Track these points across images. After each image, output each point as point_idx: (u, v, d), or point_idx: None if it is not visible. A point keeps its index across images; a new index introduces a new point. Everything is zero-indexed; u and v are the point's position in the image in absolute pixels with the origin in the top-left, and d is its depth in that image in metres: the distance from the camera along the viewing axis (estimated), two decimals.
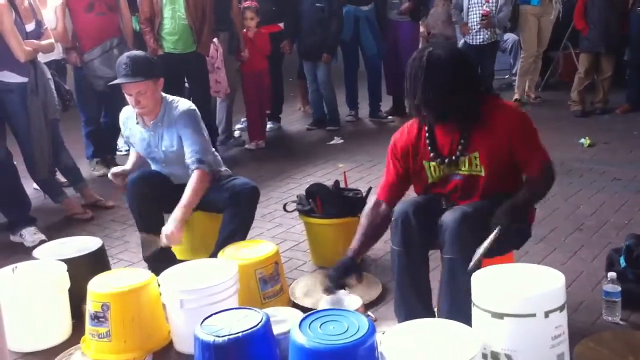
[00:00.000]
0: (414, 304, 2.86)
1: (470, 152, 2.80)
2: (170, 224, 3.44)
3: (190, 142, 3.64)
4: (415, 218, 2.80)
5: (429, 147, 2.88)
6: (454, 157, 2.82)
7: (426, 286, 2.92)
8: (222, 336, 2.35)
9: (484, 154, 2.78)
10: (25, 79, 4.46)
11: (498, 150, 2.76)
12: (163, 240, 3.45)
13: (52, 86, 4.74)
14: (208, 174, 3.64)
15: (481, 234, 2.68)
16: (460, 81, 2.70)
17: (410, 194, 3.08)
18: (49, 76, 4.74)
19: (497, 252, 2.78)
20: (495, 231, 2.63)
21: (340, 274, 2.90)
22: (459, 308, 2.60)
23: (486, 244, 2.62)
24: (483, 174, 2.81)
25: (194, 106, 3.76)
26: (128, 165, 3.91)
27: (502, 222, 2.64)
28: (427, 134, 2.89)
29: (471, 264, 2.60)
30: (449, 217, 2.72)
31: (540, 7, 7.47)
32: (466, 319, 2.46)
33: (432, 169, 2.90)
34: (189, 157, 3.63)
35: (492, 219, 2.66)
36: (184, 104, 3.74)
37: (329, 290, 2.89)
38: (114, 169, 3.88)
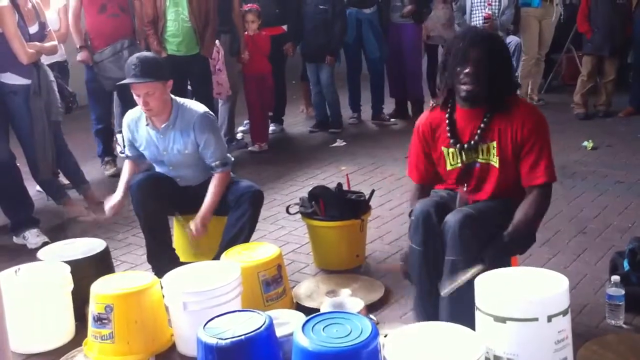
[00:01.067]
0: (434, 303, 2.83)
1: (488, 141, 2.84)
2: (200, 228, 3.63)
3: (212, 147, 3.68)
4: (437, 217, 2.81)
5: (448, 132, 2.90)
6: (472, 142, 2.85)
7: None
8: (226, 339, 2.35)
9: (500, 145, 2.82)
10: (28, 81, 4.46)
11: (512, 143, 2.80)
12: (191, 235, 3.65)
13: (55, 88, 4.74)
14: (229, 174, 3.77)
15: (483, 237, 2.70)
16: (503, 63, 2.81)
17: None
18: (52, 78, 4.74)
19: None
20: (477, 268, 2.63)
21: None
22: (461, 310, 2.60)
23: (466, 277, 2.62)
24: (497, 165, 2.84)
25: (208, 109, 3.77)
26: (120, 193, 3.82)
27: (487, 262, 2.65)
28: (447, 119, 2.92)
29: (446, 290, 2.64)
30: (451, 219, 2.73)
31: (541, 9, 7.47)
32: (467, 321, 2.45)
33: (450, 155, 2.93)
34: (213, 161, 3.69)
35: (483, 254, 2.69)
36: (197, 107, 3.74)
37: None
38: (111, 204, 3.78)
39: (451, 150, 2.92)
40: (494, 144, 2.83)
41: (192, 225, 3.63)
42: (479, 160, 2.89)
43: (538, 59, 7.74)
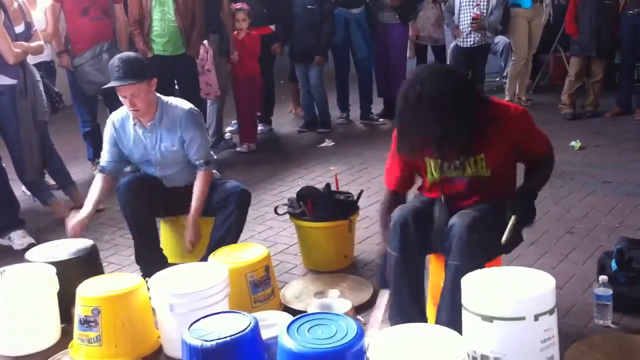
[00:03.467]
0: (411, 311, 2.82)
1: (476, 154, 2.79)
2: (190, 231, 3.66)
3: (197, 144, 3.68)
4: (414, 224, 2.77)
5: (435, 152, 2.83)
6: (459, 162, 2.80)
7: (421, 292, 2.91)
8: (210, 340, 2.33)
9: (490, 157, 2.78)
10: (14, 81, 4.44)
11: (504, 152, 2.78)
12: (188, 247, 3.67)
13: (41, 88, 4.72)
14: (213, 173, 3.77)
15: (490, 242, 2.67)
16: (461, 107, 2.61)
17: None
18: (38, 78, 4.71)
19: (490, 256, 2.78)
20: (512, 221, 2.65)
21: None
22: (460, 315, 2.56)
23: (506, 236, 2.64)
24: (489, 174, 2.80)
25: (194, 106, 3.76)
26: (87, 211, 3.71)
27: (518, 211, 2.67)
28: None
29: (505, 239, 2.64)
30: (458, 223, 2.68)
31: (531, 10, 7.48)
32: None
33: (432, 166, 2.88)
34: (197, 159, 3.69)
35: (507, 210, 2.68)
36: (183, 104, 3.73)
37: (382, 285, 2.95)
38: (73, 224, 3.67)
39: (433, 161, 2.86)
40: (482, 156, 2.78)
41: (186, 236, 3.68)
42: (467, 174, 2.83)
43: (527, 60, 7.75)
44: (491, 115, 2.76)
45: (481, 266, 2.65)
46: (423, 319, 2.84)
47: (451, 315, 2.67)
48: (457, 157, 2.79)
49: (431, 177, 2.91)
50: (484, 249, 2.67)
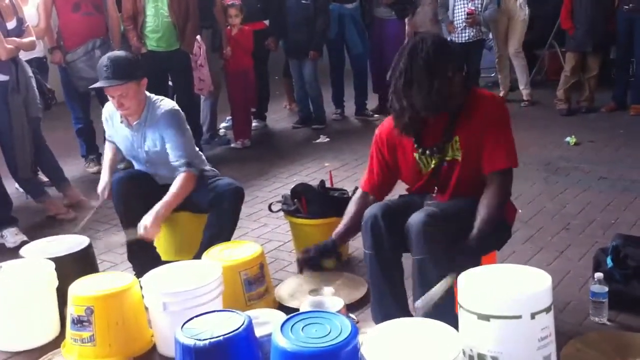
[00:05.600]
0: (390, 307, 2.84)
1: (453, 137, 2.79)
2: (148, 217, 3.44)
3: (174, 144, 3.61)
4: (384, 221, 2.78)
5: (414, 140, 2.85)
6: (440, 144, 2.80)
7: (401, 288, 2.91)
8: (203, 340, 2.31)
9: (463, 138, 2.77)
10: (6, 77, 4.42)
11: (475, 134, 2.76)
12: (140, 231, 3.44)
13: (34, 84, 4.69)
14: (195, 176, 3.63)
15: (449, 234, 2.67)
16: (441, 68, 2.67)
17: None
18: (31, 74, 4.69)
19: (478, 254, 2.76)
20: (447, 280, 2.58)
21: (318, 253, 2.95)
22: (432, 308, 2.56)
23: (439, 289, 2.56)
24: (460, 158, 2.80)
25: (177, 106, 3.71)
26: (106, 176, 3.80)
27: (458, 271, 2.57)
28: None
29: (419, 304, 2.56)
30: (414, 219, 2.71)
31: (502, 6, 7.47)
32: (442, 317, 2.42)
33: (423, 159, 2.88)
34: (175, 160, 3.61)
35: (452, 264, 2.62)
36: (167, 103, 3.69)
37: (301, 267, 2.96)
38: (102, 188, 3.78)
39: (422, 155, 2.86)
40: (457, 138, 2.78)
41: (142, 222, 3.43)
42: (447, 158, 2.83)
43: (515, 55, 7.71)
44: (474, 96, 2.79)
45: (443, 259, 2.65)
46: (404, 313, 2.84)
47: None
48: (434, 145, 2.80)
49: (425, 169, 2.90)
50: (441, 242, 2.67)
